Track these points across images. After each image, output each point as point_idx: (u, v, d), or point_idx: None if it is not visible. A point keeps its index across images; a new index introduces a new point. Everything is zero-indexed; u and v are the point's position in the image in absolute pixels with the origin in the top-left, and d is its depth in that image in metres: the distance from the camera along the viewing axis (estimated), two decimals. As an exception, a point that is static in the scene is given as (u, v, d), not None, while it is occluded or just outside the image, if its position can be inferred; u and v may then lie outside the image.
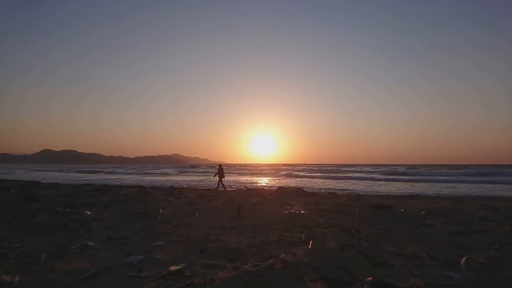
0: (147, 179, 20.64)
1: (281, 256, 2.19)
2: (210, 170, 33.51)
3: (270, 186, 14.63)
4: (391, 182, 18.17)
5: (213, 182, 13.98)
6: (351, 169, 40.08)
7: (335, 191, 11.06)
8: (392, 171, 30.91)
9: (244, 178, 22.78)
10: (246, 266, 2.01)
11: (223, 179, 11.75)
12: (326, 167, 48.79)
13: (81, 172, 33.19)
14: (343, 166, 51.08)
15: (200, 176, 25.89)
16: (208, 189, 11.60)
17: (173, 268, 2.13)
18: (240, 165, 70.93)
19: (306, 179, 21.60)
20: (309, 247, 2.47)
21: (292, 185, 13.87)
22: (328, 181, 18.95)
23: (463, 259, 2.25)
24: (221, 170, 11.77)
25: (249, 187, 10.51)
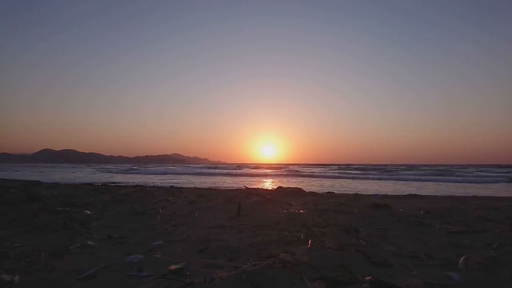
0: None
1: (280, 256, 2.20)
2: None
3: (270, 186, 14.64)
4: (390, 182, 18.18)
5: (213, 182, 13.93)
6: (350, 168, 40.08)
7: (334, 191, 11.07)
8: (391, 171, 30.94)
9: (243, 178, 22.78)
10: (246, 266, 2.01)
11: None
12: (325, 166, 48.82)
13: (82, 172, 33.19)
14: (342, 166, 51.06)
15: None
16: (208, 188, 11.60)
17: (173, 267, 2.13)
18: (240, 164, 70.92)
19: (306, 178, 21.61)
20: (309, 246, 2.47)
21: (292, 184, 13.88)
22: (327, 181, 18.96)
23: (461, 259, 2.26)
24: None
25: (249, 187, 10.52)
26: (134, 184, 13.55)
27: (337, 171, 34.01)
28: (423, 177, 21.49)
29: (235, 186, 13.78)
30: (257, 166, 50.80)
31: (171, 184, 13.54)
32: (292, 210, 4.71)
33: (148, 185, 12.02)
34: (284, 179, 21.02)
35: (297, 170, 35.37)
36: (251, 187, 11.74)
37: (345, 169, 37.62)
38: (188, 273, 2.04)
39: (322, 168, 40.87)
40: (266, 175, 27.17)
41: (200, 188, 11.38)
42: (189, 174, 28.25)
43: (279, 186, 10.49)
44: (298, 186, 11.04)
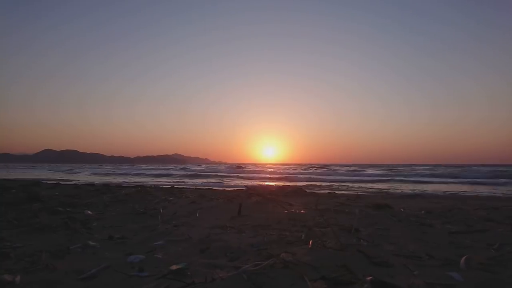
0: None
1: (281, 256, 2.20)
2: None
3: (271, 186, 14.64)
4: (391, 182, 18.17)
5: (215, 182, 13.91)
6: (351, 168, 40.04)
7: (335, 191, 11.06)
8: (391, 171, 30.90)
9: (244, 178, 22.78)
10: (247, 266, 2.01)
11: None
12: (326, 166, 48.80)
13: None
14: (342, 166, 51.02)
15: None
16: (209, 188, 11.61)
17: (174, 267, 2.13)
18: (241, 164, 70.92)
19: (307, 178, 21.60)
20: (309, 246, 2.47)
21: (293, 184, 13.87)
22: (328, 181, 18.96)
23: (463, 259, 2.26)
24: None
25: (249, 187, 10.51)
26: (135, 184, 13.58)
27: (338, 171, 33.97)
28: (424, 177, 21.47)
29: (236, 186, 13.79)
30: (258, 166, 50.81)
31: (172, 184, 13.56)
32: (293, 210, 4.71)
33: (149, 185, 12.04)
34: (285, 179, 21.03)
35: (298, 170, 35.36)
36: (252, 187, 11.73)
37: (346, 169, 37.58)
38: (189, 273, 2.04)
39: (323, 168, 40.83)
40: (267, 175, 27.18)
41: (201, 188, 11.39)
42: (190, 174, 28.27)
43: (280, 186, 10.49)
44: (299, 186, 11.03)
